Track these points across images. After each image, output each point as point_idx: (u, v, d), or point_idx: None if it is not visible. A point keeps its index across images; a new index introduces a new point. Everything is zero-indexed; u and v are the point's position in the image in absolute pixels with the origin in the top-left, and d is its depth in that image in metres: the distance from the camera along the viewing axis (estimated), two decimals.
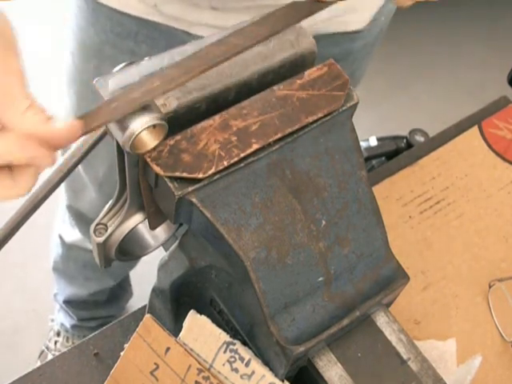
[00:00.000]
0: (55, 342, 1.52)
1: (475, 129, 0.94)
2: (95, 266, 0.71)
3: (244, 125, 0.53)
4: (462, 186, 0.89)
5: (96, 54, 0.85)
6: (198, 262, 0.58)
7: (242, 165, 0.52)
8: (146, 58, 0.53)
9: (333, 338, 0.57)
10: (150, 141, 0.49)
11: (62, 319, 1.49)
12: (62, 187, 1.18)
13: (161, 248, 0.65)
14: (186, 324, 0.60)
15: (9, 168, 0.44)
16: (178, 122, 0.51)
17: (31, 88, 0.45)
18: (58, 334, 1.52)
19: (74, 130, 0.44)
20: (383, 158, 1.34)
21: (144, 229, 0.62)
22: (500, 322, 0.78)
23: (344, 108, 0.56)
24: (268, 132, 0.53)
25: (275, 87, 0.55)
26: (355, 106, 0.57)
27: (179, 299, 0.65)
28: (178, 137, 0.51)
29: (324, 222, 0.56)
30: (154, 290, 0.66)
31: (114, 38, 0.82)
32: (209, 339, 0.59)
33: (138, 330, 0.61)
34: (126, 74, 0.52)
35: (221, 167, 0.51)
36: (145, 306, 0.70)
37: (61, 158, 0.50)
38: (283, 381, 0.58)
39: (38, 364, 0.74)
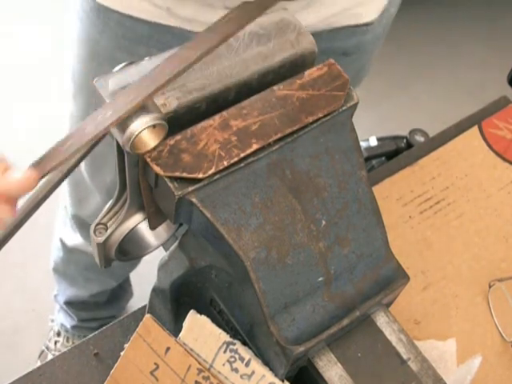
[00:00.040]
0: (55, 342, 1.52)
1: (475, 129, 0.94)
2: (97, 268, 0.70)
3: (244, 125, 0.53)
4: (462, 186, 0.89)
5: (108, 60, 0.85)
6: (198, 262, 0.58)
7: (242, 165, 0.52)
8: (146, 58, 0.54)
9: (333, 338, 0.57)
10: (150, 141, 0.49)
11: (63, 320, 1.49)
12: (63, 189, 1.18)
13: (161, 248, 0.65)
14: (185, 324, 0.60)
15: None
16: (178, 122, 0.51)
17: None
18: (58, 334, 1.52)
19: (31, 179, 0.43)
20: (383, 158, 1.34)
21: (144, 229, 0.62)
22: (500, 322, 0.78)
23: (344, 108, 0.56)
24: (268, 132, 0.53)
25: (275, 87, 0.55)
26: (355, 106, 0.57)
27: (179, 299, 0.65)
28: (178, 137, 0.51)
29: (324, 222, 0.56)
30: (154, 290, 0.66)
31: (126, 43, 0.82)
32: (209, 339, 0.59)
33: (138, 330, 0.61)
34: (126, 73, 0.52)
35: (221, 167, 0.51)
36: (145, 306, 0.70)
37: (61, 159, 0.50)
38: (283, 381, 0.58)
39: (38, 364, 0.74)
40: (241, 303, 0.58)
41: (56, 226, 1.33)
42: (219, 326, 0.59)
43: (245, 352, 0.58)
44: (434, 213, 0.86)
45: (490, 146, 0.93)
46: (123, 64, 0.53)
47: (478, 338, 0.77)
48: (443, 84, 2.21)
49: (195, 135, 0.51)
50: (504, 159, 0.92)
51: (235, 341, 0.59)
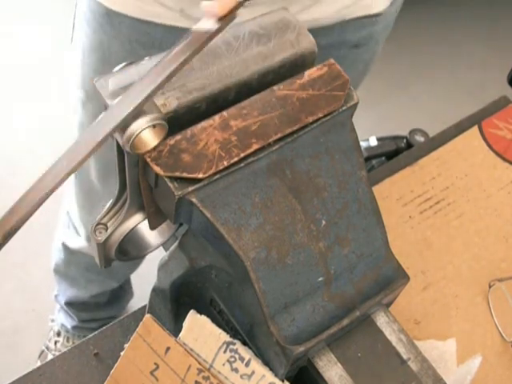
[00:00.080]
0: (55, 342, 1.52)
1: (475, 129, 0.94)
2: (98, 269, 0.70)
3: (244, 125, 0.53)
4: (461, 186, 0.89)
5: None
6: (198, 262, 0.58)
7: (242, 165, 0.52)
8: (146, 58, 0.54)
9: (333, 338, 0.57)
10: (150, 141, 0.49)
11: (63, 320, 1.49)
12: (63, 192, 1.18)
13: (161, 248, 0.65)
14: (185, 324, 0.60)
15: None
16: (178, 122, 0.51)
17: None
18: (59, 334, 1.52)
19: None
20: (383, 158, 1.34)
21: (144, 229, 0.62)
22: (500, 322, 0.78)
23: (344, 108, 0.56)
24: (268, 132, 0.53)
25: (275, 87, 0.55)
26: (355, 105, 0.57)
27: (179, 299, 0.65)
28: (178, 137, 0.51)
29: (324, 222, 0.56)
30: (153, 290, 0.66)
31: (139, 48, 0.81)
32: (209, 339, 0.59)
33: (138, 330, 0.61)
34: (126, 73, 0.52)
35: (221, 167, 0.51)
36: (145, 306, 0.70)
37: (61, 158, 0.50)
38: (283, 381, 0.58)
39: (38, 364, 0.74)
40: (241, 303, 0.58)
41: (57, 230, 1.33)
42: (219, 325, 0.59)
43: (245, 352, 0.58)
44: (434, 213, 0.86)
45: (490, 145, 0.93)
46: (123, 64, 0.53)
47: (478, 338, 0.77)
48: (443, 84, 2.21)
49: (195, 135, 0.51)
50: (504, 159, 0.92)
51: (235, 341, 0.59)
